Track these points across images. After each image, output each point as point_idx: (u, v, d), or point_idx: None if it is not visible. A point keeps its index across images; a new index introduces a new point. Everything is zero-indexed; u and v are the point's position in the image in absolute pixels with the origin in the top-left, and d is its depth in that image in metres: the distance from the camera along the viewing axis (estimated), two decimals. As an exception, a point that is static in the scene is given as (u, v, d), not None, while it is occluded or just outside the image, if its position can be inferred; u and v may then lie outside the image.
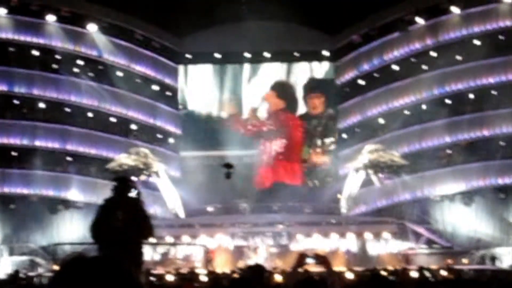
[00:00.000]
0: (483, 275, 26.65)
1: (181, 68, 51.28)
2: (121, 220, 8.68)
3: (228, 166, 37.82)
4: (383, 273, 21.67)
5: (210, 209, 46.05)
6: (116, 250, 8.16)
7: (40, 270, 35.83)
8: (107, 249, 8.66)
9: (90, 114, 44.85)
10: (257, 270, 7.18)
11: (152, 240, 9.79)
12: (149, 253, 35.61)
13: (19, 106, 42.62)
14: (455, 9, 42.92)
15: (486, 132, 42.05)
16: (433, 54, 44.24)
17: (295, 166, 51.23)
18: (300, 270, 6.39)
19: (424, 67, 44.60)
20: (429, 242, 42.45)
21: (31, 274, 31.58)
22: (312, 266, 6.40)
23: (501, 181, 41.00)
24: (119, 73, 45.68)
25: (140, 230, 8.91)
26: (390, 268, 30.74)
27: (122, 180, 9.55)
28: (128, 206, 8.97)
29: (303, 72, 52.08)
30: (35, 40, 42.84)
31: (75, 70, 44.04)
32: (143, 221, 8.98)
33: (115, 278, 2.13)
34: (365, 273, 25.30)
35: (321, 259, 6.20)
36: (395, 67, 45.87)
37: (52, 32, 43.14)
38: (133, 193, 9.27)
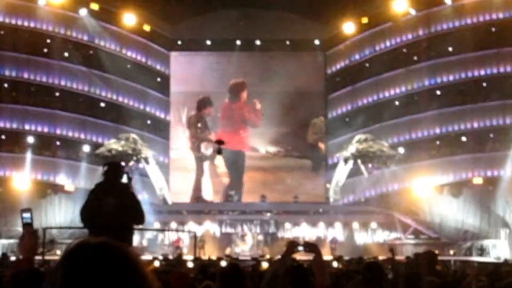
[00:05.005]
0: (470, 267, 26.77)
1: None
2: (112, 206, 8.66)
3: (219, 142, 38.06)
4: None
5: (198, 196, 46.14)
6: (106, 236, 8.13)
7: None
8: (97, 234, 8.64)
9: (80, 99, 44.70)
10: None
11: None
12: (136, 239, 35.61)
13: (8, 89, 42.40)
14: (447, 0, 42.90)
15: (476, 124, 42.12)
16: (425, 45, 44.26)
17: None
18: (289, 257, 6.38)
19: (415, 58, 44.60)
20: (417, 233, 42.67)
21: (20, 257, 31.55)
22: (301, 254, 6.38)
23: (489, 173, 41.11)
24: (110, 58, 45.46)
25: (132, 216, 8.89)
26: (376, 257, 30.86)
27: (114, 165, 9.53)
28: (119, 192, 8.96)
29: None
30: (25, 23, 42.61)
31: (66, 54, 43.82)
32: (135, 207, 8.96)
33: (122, 265, 2.08)
34: (351, 262, 25.40)
35: (311, 247, 6.20)
36: (386, 58, 45.80)
37: (43, 16, 42.89)
38: (124, 179, 9.26)
